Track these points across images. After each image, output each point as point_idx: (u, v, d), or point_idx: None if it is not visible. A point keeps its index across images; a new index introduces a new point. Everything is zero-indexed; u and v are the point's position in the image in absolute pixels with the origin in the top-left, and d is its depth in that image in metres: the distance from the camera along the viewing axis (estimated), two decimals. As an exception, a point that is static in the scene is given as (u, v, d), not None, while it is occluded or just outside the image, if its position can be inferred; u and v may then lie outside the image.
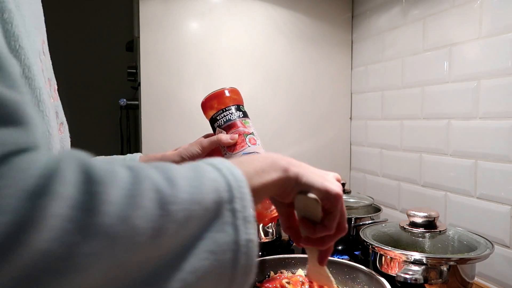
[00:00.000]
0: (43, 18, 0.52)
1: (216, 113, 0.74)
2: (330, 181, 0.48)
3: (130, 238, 0.27)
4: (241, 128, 0.72)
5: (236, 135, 0.71)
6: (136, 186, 0.29)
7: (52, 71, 0.53)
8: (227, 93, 0.74)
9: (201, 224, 0.33)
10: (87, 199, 0.26)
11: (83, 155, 0.29)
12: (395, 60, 1.23)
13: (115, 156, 0.76)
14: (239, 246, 0.34)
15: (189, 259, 0.31)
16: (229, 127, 0.72)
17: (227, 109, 0.73)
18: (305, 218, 0.50)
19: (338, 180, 0.51)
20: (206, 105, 0.75)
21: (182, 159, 0.73)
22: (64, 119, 0.55)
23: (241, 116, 0.73)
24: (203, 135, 0.80)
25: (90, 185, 0.27)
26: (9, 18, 0.36)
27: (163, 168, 0.33)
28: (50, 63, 0.52)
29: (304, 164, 0.48)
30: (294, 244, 0.54)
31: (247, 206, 0.35)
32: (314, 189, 0.46)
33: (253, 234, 0.35)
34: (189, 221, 0.31)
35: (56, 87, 0.53)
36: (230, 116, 0.73)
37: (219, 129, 0.73)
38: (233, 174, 0.36)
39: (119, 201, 0.27)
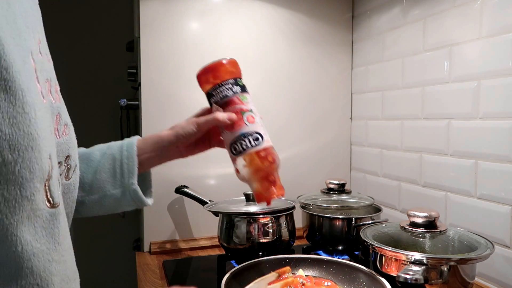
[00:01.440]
0: (40, 17, 0.51)
1: (211, 88, 0.69)
2: None
3: None
4: (238, 106, 0.67)
5: (234, 115, 0.67)
6: None
7: (53, 71, 0.52)
8: (223, 66, 0.70)
9: None
10: None
11: None
12: (395, 60, 1.23)
13: (112, 143, 0.74)
14: None
15: None
16: (225, 103, 0.68)
17: (223, 83, 0.68)
18: None
19: None
20: (201, 78, 0.70)
21: (177, 140, 0.70)
22: (69, 120, 0.54)
23: (238, 92, 0.69)
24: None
25: None
26: None
27: None
28: (51, 63, 0.51)
29: None
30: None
31: None
32: None
33: None
34: None
35: (58, 88, 0.52)
36: (227, 92, 0.68)
37: (216, 105, 0.69)
38: None
39: None
